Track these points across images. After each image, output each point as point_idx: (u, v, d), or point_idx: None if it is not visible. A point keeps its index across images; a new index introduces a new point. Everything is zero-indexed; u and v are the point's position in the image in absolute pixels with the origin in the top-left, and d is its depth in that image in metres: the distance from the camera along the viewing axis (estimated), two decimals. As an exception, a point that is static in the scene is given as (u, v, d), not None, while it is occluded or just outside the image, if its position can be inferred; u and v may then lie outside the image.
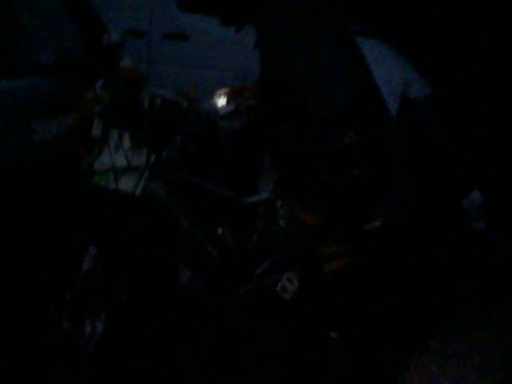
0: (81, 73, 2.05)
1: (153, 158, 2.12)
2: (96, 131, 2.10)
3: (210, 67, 4.31)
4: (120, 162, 2.13)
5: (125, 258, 2.22)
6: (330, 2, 1.68)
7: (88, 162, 2.23)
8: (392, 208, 1.73)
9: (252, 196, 2.46)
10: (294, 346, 2.15)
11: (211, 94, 2.30)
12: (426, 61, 4.63)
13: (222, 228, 2.44)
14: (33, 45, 2.85)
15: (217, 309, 2.66)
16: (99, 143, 2.18)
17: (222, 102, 2.27)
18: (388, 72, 4.00)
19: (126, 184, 2.13)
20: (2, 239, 2.85)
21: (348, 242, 1.75)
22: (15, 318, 2.56)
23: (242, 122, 2.26)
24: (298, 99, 1.65)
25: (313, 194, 1.62)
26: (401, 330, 2.56)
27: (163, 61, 4.81)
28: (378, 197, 1.72)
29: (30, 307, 2.53)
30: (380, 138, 1.72)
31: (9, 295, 2.72)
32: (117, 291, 2.17)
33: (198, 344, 2.59)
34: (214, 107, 2.28)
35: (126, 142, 2.12)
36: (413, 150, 2.13)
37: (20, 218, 2.89)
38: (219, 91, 2.30)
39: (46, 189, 2.88)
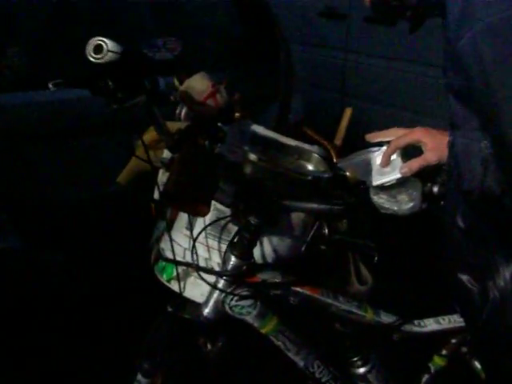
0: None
1: (240, 263, 1.19)
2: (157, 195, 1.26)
3: (411, 60, 3.24)
4: (187, 253, 1.25)
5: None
6: None
7: (156, 234, 1.41)
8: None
9: (431, 322, 1.42)
10: None
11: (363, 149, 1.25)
12: None
13: (372, 369, 1.43)
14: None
15: None
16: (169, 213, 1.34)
17: (376, 161, 1.22)
18: None
19: (194, 291, 1.25)
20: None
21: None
22: None
23: (411, 195, 1.21)
24: None
25: None
26: None
27: (362, 50, 3.77)
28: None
29: None
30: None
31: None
32: None
33: None
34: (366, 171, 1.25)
35: (199, 226, 1.23)
36: None
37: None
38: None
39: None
